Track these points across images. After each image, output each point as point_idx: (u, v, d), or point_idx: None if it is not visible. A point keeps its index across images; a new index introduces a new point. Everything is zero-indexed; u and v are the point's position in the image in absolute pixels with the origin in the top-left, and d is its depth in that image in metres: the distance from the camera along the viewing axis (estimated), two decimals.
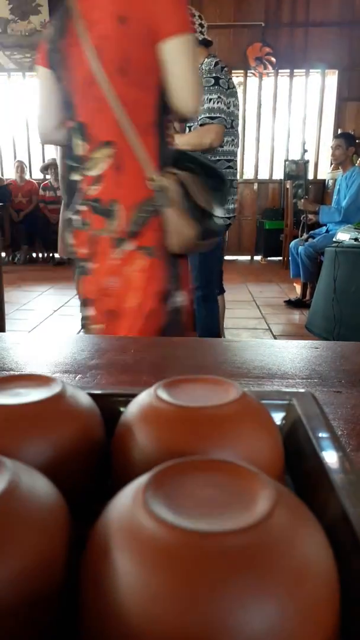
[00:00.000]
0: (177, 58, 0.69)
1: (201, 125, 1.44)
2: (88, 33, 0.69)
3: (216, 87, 1.45)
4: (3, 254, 4.45)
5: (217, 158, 1.58)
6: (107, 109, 0.71)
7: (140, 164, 0.72)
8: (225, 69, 1.51)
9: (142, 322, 0.77)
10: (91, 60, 0.70)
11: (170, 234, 0.74)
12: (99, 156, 0.74)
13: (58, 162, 1.09)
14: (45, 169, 4.59)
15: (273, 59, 4.53)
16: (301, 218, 3.00)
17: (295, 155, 4.77)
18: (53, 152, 5.02)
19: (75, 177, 0.77)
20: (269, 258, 4.51)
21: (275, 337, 2.33)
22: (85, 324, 0.82)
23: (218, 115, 1.43)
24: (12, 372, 0.38)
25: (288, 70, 4.64)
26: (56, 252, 4.65)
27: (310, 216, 2.88)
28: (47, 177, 4.57)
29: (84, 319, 0.82)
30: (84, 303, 0.81)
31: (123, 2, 0.69)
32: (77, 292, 0.82)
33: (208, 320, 1.66)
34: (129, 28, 0.68)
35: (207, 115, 1.42)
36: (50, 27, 0.76)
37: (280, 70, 4.62)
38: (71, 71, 0.73)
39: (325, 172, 4.66)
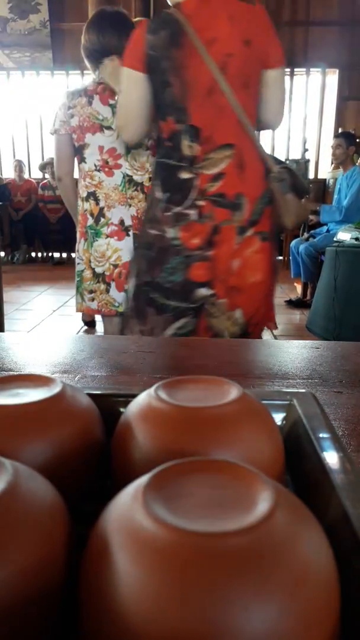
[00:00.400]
0: (279, 85, 0.95)
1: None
2: (208, 49, 0.84)
3: None
4: (2, 254, 4.45)
5: None
6: (228, 116, 0.87)
7: (260, 161, 0.90)
8: None
9: (260, 294, 0.95)
10: (214, 72, 0.85)
11: (289, 215, 0.93)
12: (219, 157, 0.88)
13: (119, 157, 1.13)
14: (43, 167, 4.58)
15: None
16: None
17: (296, 155, 4.77)
18: (52, 151, 5.01)
19: (185, 175, 0.89)
20: None
21: (275, 337, 2.33)
22: (203, 303, 0.94)
23: None
24: (11, 372, 0.38)
25: (288, 70, 4.64)
26: (55, 251, 4.66)
27: (312, 217, 2.88)
28: (46, 175, 4.57)
29: (197, 300, 0.93)
30: (194, 286, 0.93)
31: (246, 28, 0.86)
32: (176, 278, 0.93)
33: None
34: (252, 50, 0.87)
35: None
36: (155, 35, 0.85)
37: None
38: (189, 80, 0.86)
39: (325, 171, 4.66)
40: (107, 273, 1.19)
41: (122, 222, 1.17)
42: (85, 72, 4.46)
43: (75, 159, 1.21)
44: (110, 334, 1.28)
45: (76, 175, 1.28)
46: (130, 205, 1.17)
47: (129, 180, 1.17)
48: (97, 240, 1.18)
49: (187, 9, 0.85)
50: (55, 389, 0.20)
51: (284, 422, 0.24)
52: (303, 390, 0.25)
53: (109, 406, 0.23)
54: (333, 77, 4.65)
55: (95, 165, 1.17)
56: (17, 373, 0.28)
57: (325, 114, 4.77)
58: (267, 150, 0.97)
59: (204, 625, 0.11)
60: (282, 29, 4.47)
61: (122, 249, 1.18)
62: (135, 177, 1.17)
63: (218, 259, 0.92)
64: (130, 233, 1.18)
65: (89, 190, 1.18)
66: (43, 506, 0.14)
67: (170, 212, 0.91)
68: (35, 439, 0.18)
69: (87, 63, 1.21)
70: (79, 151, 1.19)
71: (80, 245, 1.22)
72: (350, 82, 4.58)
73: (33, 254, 4.80)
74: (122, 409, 0.23)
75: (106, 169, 1.16)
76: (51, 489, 0.15)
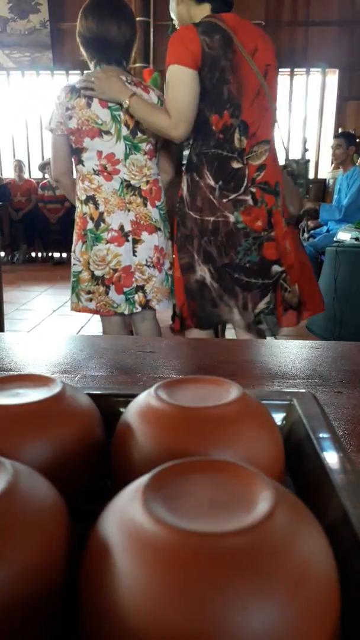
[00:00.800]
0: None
1: None
2: (252, 57, 1.02)
3: None
4: (2, 254, 4.45)
5: None
6: (269, 116, 1.08)
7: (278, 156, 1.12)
8: None
9: (299, 271, 1.14)
10: (259, 77, 1.04)
11: (294, 202, 1.12)
12: (261, 150, 1.06)
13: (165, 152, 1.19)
14: (43, 167, 4.58)
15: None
16: (301, 225, 2.98)
17: (296, 155, 4.76)
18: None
19: (236, 165, 1.05)
20: None
21: (275, 337, 2.33)
22: (276, 280, 1.13)
23: None
24: (11, 372, 0.38)
25: (288, 70, 4.64)
26: (55, 251, 4.66)
27: (311, 224, 2.88)
28: (46, 175, 4.57)
29: (273, 276, 1.11)
30: (270, 264, 1.10)
31: (272, 47, 1.08)
32: (251, 259, 1.10)
33: None
34: (276, 64, 1.10)
35: None
36: (210, 38, 0.99)
37: (280, 70, 4.60)
38: (242, 81, 1.02)
39: (325, 171, 4.66)
40: (107, 276, 1.20)
41: (121, 227, 1.18)
42: (85, 72, 4.46)
43: (73, 159, 1.20)
44: (109, 332, 1.29)
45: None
46: (129, 210, 1.17)
47: (127, 185, 1.17)
48: (97, 245, 1.18)
49: (229, 21, 1.01)
50: (55, 389, 0.20)
51: (284, 422, 0.24)
52: (303, 390, 0.25)
53: (109, 406, 0.23)
54: (333, 77, 4.65)
55: (93, 170, 1.16)
56: (17, 373, 0.28)
57: (325, 114, 4.77)
58: None
59: (204, 625, 0.11)
60: (283, 29, 4.47)
61: (122, 254, 1.19)
62: (132, 182, 1.17)
63: (278, 240, 1.10)
64: (130, 238, 1.19)
65: (87, 193, 1.18)
66: (43, 506, 0.14)
67: (227, 199, 1.05)
68: (36, 438, 0.18)
69: (83, 51, 1.18)
70: (76, 153, 1.18)
71: (78, 247, 1.21)
72: (350, 82, 4.58)
73: (33, 254, 4.80)
74: (122, 409, 0.23)
75: (105, 174, 1.16)
76: (51, 489, 0.15)
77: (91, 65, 1.20)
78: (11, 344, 0.45)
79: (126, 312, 1.23)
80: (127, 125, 1.14)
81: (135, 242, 1.19)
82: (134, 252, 1.19)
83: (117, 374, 0.38)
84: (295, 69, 4.63)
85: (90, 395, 0.23)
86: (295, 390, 0.25)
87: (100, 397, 0.23)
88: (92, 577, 0.13)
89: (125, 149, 1.15)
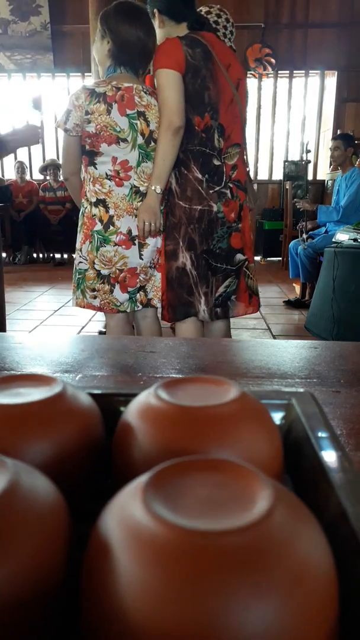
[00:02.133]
0: None
1: None
2: (227, 71, 1.19)
3: None
4: (4, 255, 4.44)
5: None
6: (239, 122, 1.25)
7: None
8: None
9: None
10: (232, 88, 1.21)
11: (253, 199, 1.32)
12: (233, 152, 1.24)
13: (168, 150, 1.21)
14: (44, 169, 4.59)
15: (273, 60, 4.53)
16: (298, 226, 2.99)
17: (295, 156, 4.77)
18: (53, 153, 5.03)
19: (216, 162, 1.21)
20: (268, 258, 4.51)
21: (274, 337, 2.33)
22: (239, 267, 1.31)
23: None
24: (12, 372, 0.38)
25: (287, 72, 4.65)
26: (56, 252, 4.66)
27: (309, 224, 2.88)
28: (47, 177, 4.57)
29: (237, 263, 1.29)
30: (234, 252, 1.28)
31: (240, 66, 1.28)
32: (222, 246, 1.27)
33: None
34: (245, 80, 1.29)
35: None
36: (193, 49, 1.15)
37: (279, 72, 4.62)
38: (219, 89, 1.19)
39: (324, 172, 4.66)
40: (113, 276, 1.24)
41: (129, 231, 1.22)
42: (86, 74, 4.47)
43: (83, 160, 1.22)
44: (113, 327, 1.32)
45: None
46: (136, 216, 1.21)
47: (135, 191, 1.20)
48: (104, 246, 1.22)
49: (208, 38, 1.19)
50: (56, 389, 0.20)
51: (283, 421, 0.24)
52: (302, 390, 0.25)
53: (109, 405, 0.23)
54: (332, 79, 4.66)
55: (106, 174, 1.19)
56: (19, 373, 0.28)
57: (324, 116, 4.78)
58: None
59: (204, 622, 0.11)
60: (282, 31, 4.48)
61: (129, 257, 1.23)
62: (141, 189, 1.21)
63: (244, 231, 1.28)
64: (136, 242, 1.23)
65: (98, 197, 1.21)
66: (44, 505, 0.14)
67: (213, 190, 1.21)
68: (37, 438, 0.19)
69: (110, 51, 1.18)
70: (89, 155, 1.20)
71: (85, 246, 1.24)
72: (349, 84, 4.59)
73: (35, 255, 4.80)
74: (122, 409, 0.23)
75: (116, 179, 1.19)
76: (52, 488, 0.15)
77: (105, 62, 1.20)
78: (13, 344, 0.45)
79: (128, 310, 1.27)
80: (142, 134, 1.18)
81: (142, 245, 1.23)
82: (140, 255, 1.24)
83: (117, 374, 0.38)
84: (294, 71, 4.64)
85: (91, 395, 0.23)
86: (294, 389, 0.25)
87: (100, 397, 0.23)
88: (92, 576, 0.13)
89: (139, 156, 1.19)
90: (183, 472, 0.15)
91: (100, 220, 1.21)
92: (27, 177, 4.70)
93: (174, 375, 0.37)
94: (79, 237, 1.26)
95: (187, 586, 0.11)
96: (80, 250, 1.25)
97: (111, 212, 1.20)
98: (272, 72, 4.59)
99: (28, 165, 4.84)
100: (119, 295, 1.24)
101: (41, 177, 4.70)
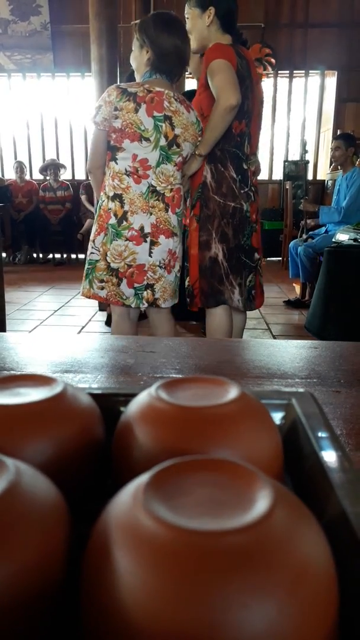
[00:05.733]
0: None
1: None
2: (255, 86, 1.37)
3: None
4: (4, 255, 4.45)
5: None
6: (259, 135, 1.44)
7: None
8: None
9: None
10: (259, 105, 1.40)
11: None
12: (254, 160, 1.40)
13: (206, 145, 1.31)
14: (44, 169, 4.59)
15: (273, 60, 4.53)
16: (300, 223, 3.00)
17: (295, 156, 4.77)
18: (52, 153, 5.03)
19: (245, 166, 1.36)
20: (268, 258, 4.50)
21: (274, 337, 2.33)
22: (257, 265, 1.49)
23: None
24: (12, 372, 0.38)
25: (287, 72, 4.65)
26: (56, 252, 4.66)
27: (310, 221, 2.88)
28: (47, 177, 4.57)
29: (255, 261, 1.46)
30: (254, 250, 1.44)
31: None
32: (244, 244, 1.42)
33: None
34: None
35: None
36: (241, 60, 1.31)
37: (279, 72, 4.62)
38: (253, 101, 1.36)
39: (324, 172, 4.66)
40: (121, 270, 1.27)
41: (142, 228, 1.25)
42: (86, 74, 4.47)
43: (107, 155, 1.26)
44: (115, 319, 1.36)
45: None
46: (151, 214, 1.24)
47: (152, 191, 1.24)
48: (116, 240, 1.25)
49: (247, 55, 1.35)
50: (56, 389, 0.20)
51: (282, 421, 0.24)
52: (302, 390, 0.25)
53: (109, 405, 0.23)
54: (332, 79, 4.66)
55: (125, 170, 1.22)
56: (19, 373, 0.28)
57: (324, 116, 4.77)
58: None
59: (204, 623, 0.11)
60: (282, 30, 4.48)
61: (139, 253, 1.26)
62: (158, 189, 1.25)
63: (258, 232, 1.45)
64: (148, 240, 1.26)
65: (116, 191, 1.24)
66: (44, 505, 0.14)
67: (243, 191, 1.35)
68: (37, 438, 0.19)
69: (149, 58, 1.22)
70: (112, 150, 1.23)
71: (99, 238, 1.27)
72: (349, 83, 4.59)
73: (34, 255, 4.80)
74: (122, 409, 0.23)
75: (135, 176, 1.22)
76: (52, 488, 0.15)
77: (141, 69, 1.25)
78: (13, 344, 0.45)
79: (133, 306, 1.30)
80: (166, 136, 1.22)
81: (153, 243, 1.26)
82: (150, 252, 1.26)
83: (117, 374, 0.38)
84: (295, 71, 4.64)
85: (91, 395, 0.23)
86: (294, 389, 0.25)
87: (100, 397, 0.23)
88: (92, 576, 0.13)
89: (159, 157, 1.23)
90: (183, 472, 0.15)
91: (115, 215, 1.24)
92: (27, 177, 4.70)
93: (174, 375, 0.37)
94: (94, 228, 1.29)
95: (187, 586, 0.12)
96: (94, 242, 1.28)
97: (126, 207, 1.22)
98: (272, 72, 4.59)
99: (28, 165, 4.84)
100: (125, 289, 1.27)
101: (41, 177, 4.70)
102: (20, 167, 4.59)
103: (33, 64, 4.71)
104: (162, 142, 1.21)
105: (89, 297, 1.30)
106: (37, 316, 2.67)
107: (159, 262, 1.27)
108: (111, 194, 1.24)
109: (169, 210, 1.26)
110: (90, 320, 2.55)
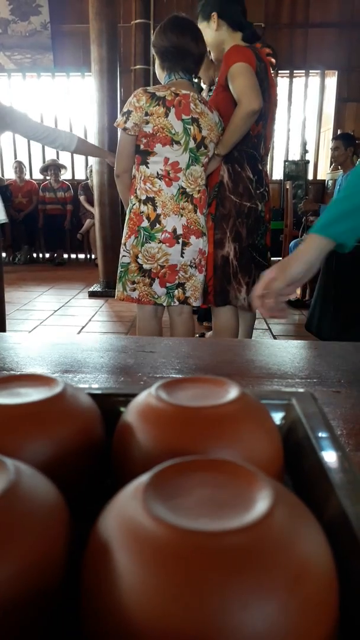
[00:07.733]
0: None
1: None
2: (271, 89, 1.37)
3: None
4: (4, 254, 4.44)
5: None
6: (271, 138, 1.44)
7: None
8: None
9: None
10: (274, 108, 1.41)
11: None
12: (266, 161, 1.43)
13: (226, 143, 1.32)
14: (45, 170, 4.59)
15: (273, 60, 4.52)
16: (304, 220, 3.00)
17: (295, 156, 4.77)
18: (52, 153, 5.03)
19: (259, 167, 1.37)
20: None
21: (274, 337, 2.33)
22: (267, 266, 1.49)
23: None
24: (12, 372, 0.38)
25: (288, 72, 4.65)
26: (56, 252, 4.66)
27: (311, 218, 2.88)
28: (47, 178, 4.57)
29: (268, 260, 1.46)
30: (267, 249, 1.45)
31: None
32: (257, 244, 1.43)
33: None
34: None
35: None
36: (260, 63, 1.30)
37: (280, 72, 4.62)
38: (269, 104, 1.36)
39: (324, 172, 4.66)
40: (154, 271, 1.30)
41: (174, 230, 1.28)
42: (86, 74, 4.47)
43: (136, 159, 1.28)
44: (142, 318, 1.39)
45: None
46: (182, 215, 1.28)
47: (182, 192, 1.27)
48: (149, 243, 1.28)
49: (264, 57, 1.34)
50: (56, 389, 0.20)
51: (283, 421, 0.24)
52: (302, 390, 0.25)
53: (109, 406, 0.23)
54: (332, 79, 4.66)
55: (157, 173, 1.25)
56: (19, 373, 0.28)
57: (324, 116, 4.77)
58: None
59: (204, 622, 0.11)
60: (282, 30, 4.48)
61: (171, 254, 1.30)
62: (188, 190, 1.28)
63: (269, 231, 1.45)
64: (180, 241, 1.30)
65: (148, 195, 1.27)
66: (44, 505, 0.14)
67: (259, 191, 1.36)
68: (37, 438, 0.19)
69: (160, 63, 1.28)
70: (143, 154, 1.25)
71: (130, 241, 1.30)
72: (349, 83, 4.58)
73: (34, 255, 4.80)
74: (122, 409, 0.23)
75: (166, 179, 1.25)
76: (52, 488, 0.15)
77: (162, 76, 1.30)
78: (13, 344, 0.45)
79: (165, 304, 1.34)
80: (195, 138, 1.25)
81: (185, 244, 1.30)
82: (182, 253, 1.30)
83: (117, 374, 0.38)
84: (295, 71, 4.64)
85: (91, 395, 0.23)
86: (294, 389, 0.25)
87: (100, 397, 0.23)
88: (92, 575, 0.13)
89: (189, 160, 1.26)
90: (183, 472, 0.15)
91: (148, 218, 1.26)
92: (27, 177, 4.70)
93: (174, 375, 0.37)
94: (125, 231, 1.31)
95: (187, 586, 0.12)
96: (125, 245, 1.31)
97: (159, 210, 1.25)
98: (272, 72, 4.57)
99: (27, 165, 4.84)
100: (158, 288, 1.30)
101: (41, 177, 4.70)
102: (19, 167, 4.58)
103: (33, 63, 4.71)
104: (191, 144, 1.24)
105: (122, 300, 1.33)
106: (37, 316, 2.67)
107: (190, 262, 1.31)
108: (143, 197, 1.26)
109: (197, 211, 1.29)
110: (90, 320, 2.55)
